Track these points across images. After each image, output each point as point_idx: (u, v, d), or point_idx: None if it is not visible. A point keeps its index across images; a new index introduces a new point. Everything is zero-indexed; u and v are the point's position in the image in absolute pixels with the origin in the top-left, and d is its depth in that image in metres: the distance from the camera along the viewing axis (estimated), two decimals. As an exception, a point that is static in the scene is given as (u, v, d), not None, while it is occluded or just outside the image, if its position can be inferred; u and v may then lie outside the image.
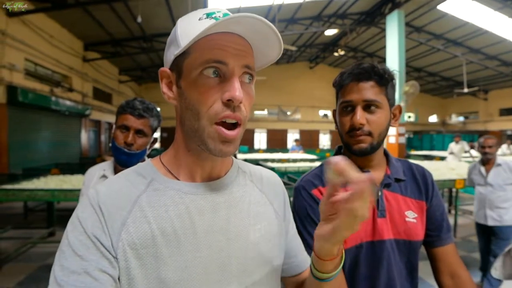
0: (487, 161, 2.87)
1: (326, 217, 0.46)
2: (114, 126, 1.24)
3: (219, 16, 0.48)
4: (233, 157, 0.62)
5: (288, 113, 17.98)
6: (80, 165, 6.43)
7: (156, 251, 0.46)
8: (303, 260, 0.65)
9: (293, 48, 9.98)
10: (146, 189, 0.50)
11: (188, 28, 0.48)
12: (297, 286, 0.64)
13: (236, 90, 0.45)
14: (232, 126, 0.48)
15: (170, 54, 0.51)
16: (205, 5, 8.28)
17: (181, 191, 0.51)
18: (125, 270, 0.44)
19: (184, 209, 0.49)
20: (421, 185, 0.87)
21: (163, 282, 0.45)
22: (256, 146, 17.24)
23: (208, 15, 0.49)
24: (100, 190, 0.49)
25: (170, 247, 0.46)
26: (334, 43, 14.06)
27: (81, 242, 0.44)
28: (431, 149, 15.41)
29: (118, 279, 0.44)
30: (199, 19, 0.49)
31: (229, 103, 0.46)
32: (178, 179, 0.53)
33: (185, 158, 0.53)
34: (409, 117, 20.35)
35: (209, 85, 0.47)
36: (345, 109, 0.83)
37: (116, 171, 1.28)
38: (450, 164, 5.34)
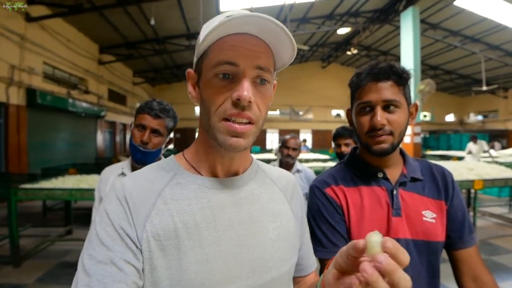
0: (288, 165, 2.44)
1: (341, 268, 0.41)
2: (132, 125, 1.30)
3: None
4: (252, 156, 0.63)
5: (301, 113, 17.87)
6: (96, 165, 6.60)
7: (179, 243, 0.47)
8: (311, 264, 0.67)
9: (305, 48, 9.91)
10: (169, 183, 0.52)
11: (206, 32, 0.49)
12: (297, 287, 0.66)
13: (244, 90, 0.46)
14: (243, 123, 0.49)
15: (194, 57, 0.55)
16: (216, 7, 8.33)
17: (203, 186, 0.52)
18: (149, 260, 0.46)
19: (206, 203, 0.51)
20: (440, 185, 0.85)
21: (184, 273, 0.46)
22: (268, 146, 17.22)
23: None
24: (126, 183, 0.50)
25: (192, 240, 0.48)
26: (347, 42, 13.86)
27: (107, 233, 0.45)
28: (448, 149, 14.97)
29: (142, 270, 0.45)
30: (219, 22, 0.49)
31: (238, 102, 0.47)
32: (201, 174, 0.54)
33: (207, 154, 0.55)
34: (425, 116, 19.87)
35: (220, 86, 0.48)
36: (363, 110, 0.80)
37: (133, 169, 1.32)
38: (469, 164, 5.15)
